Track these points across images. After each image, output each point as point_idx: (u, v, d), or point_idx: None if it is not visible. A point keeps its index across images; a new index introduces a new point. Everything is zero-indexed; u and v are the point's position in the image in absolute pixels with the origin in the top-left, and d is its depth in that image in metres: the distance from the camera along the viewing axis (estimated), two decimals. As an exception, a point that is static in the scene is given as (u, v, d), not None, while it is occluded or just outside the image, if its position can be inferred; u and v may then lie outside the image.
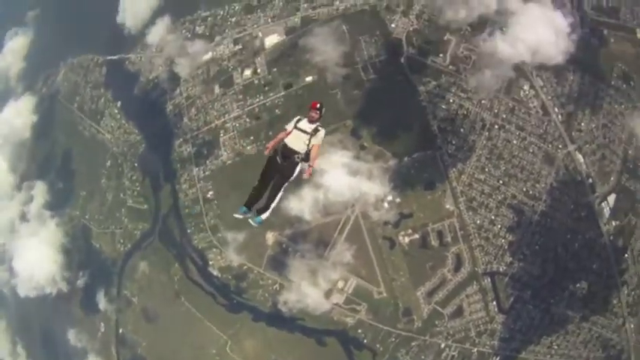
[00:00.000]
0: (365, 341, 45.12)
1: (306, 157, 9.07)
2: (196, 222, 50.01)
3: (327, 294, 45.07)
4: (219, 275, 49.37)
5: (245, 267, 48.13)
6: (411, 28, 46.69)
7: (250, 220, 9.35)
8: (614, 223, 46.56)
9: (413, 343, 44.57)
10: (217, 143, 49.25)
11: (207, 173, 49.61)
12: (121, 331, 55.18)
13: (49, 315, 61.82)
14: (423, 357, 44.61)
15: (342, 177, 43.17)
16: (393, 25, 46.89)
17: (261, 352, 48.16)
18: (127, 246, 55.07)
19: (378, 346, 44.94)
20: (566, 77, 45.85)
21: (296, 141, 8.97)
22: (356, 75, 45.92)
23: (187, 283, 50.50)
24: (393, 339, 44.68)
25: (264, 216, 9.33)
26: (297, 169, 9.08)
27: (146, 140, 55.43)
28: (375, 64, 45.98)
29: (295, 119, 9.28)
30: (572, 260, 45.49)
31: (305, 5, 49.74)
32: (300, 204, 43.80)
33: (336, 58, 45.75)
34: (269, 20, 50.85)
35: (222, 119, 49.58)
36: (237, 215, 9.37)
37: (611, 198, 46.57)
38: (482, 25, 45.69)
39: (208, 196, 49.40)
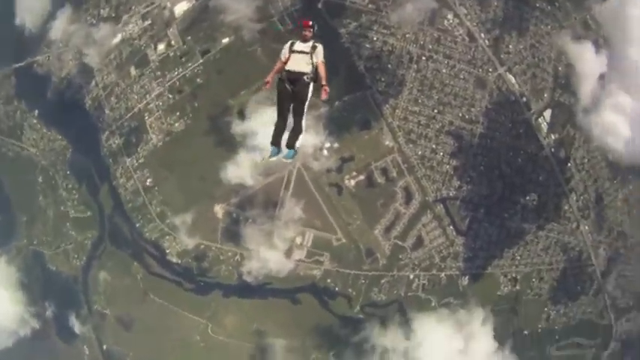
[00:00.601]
0: (337, 289, 45.15)
1: (315, 78, 8.67)
2: (142, 214, 47.97)
3: (288, 253, 44.54)
4: (179, 261, 47.95)
5: (202, 246, 46.89)
6: None
7: (283, 158, 8.98)
8: (553, 136, 47.98)
9: (383, 281, 44.87)
10: (144, 127, 46.75)
11: (140, 161, 47.24)
12: (105, 347, 53.17)
13: (35, 358, 58.35)
14: (395, 291, 45.12)
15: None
16: None
17: (242, 326, 47.81)
18: (83, 259, 52.50)
19: (350, 290, 45.08)
20: (489, 3, 45.90)
21: (298, 63, 8.56)
22: (272, 31, 44.15)
23: (151, 278, 48.86)
24: (363, 280, 44.84)
25: (297, 144, 8.91)
26: (310, 90, 8.67)
27: (72, 143, 52.06)
28: (292, 13, 44.31)
29: (288, 44, 8.81)
30: (518, 175, 46.44)
31: None
32: (239, 170, 42.45)
33: (249, 14, 43.84)
34: None
35: (144, 101, 46.92)
36: (271, 158, 8.98)
37: (547, 113, 47.76)
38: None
39: (147, 184, 47.22)
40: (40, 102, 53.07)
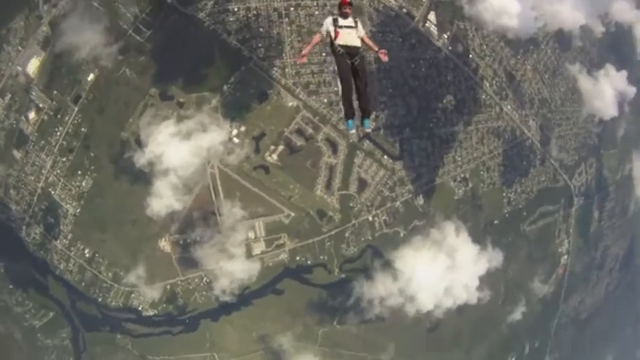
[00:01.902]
0: (309, 262, 43.03)
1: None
2: (98, 286, 43.81)
3: (248, 255, 41.39)
4: (157, 312, 44.31)
5: (168, 286, 43.20)
6: None
7: (363, 129, 9.43)
8: (445, 36, 46.81)
9: (347, 234, 43.05)
10: (56, 203, 42.25)
11: (69, 237, 42.80)
12: None
13: None
14: (362, 239, 43.48)
15: (179, 146, 38.65)
16: None
17: (243, 339, 45.09)
18: None
19: (321, 257, 43.03)
20: None
21: (350, 38, 8.70)
22: (132, 42, 40.21)
23: (140, 341, 45.11)
24: (329, 243, 42.81)
25: (370, 117, 9.20)
26: (366, 62, 8.90)
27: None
28: (145, 19, 40.38)
29: (330, 20, 8.84)
30: (427, 83, 45.56)
31: (46, 8, 41.54)
32: (162, 200, 39.30)
33: (101, 40, 39.16)
34: (19, 48, 42.12)
35: (42, 177, 42.13)
36: (351, 131, 10.23)
37: (432, 16, 46.43)
38: None
39: (87, 255, 42.99)
40: None
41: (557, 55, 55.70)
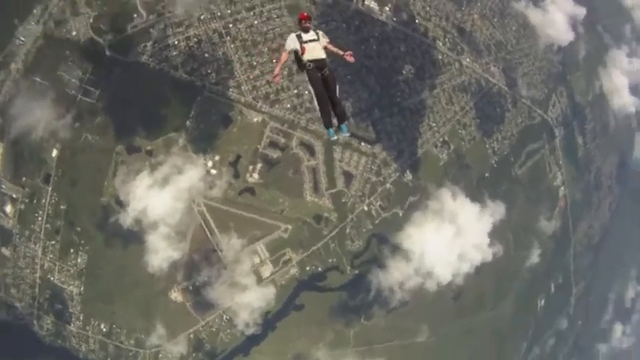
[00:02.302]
0: (320, 269, 42.50)
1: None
2: (124, 356, 42.44)
3: (259, 280, 40.66)
4: None
5: (191, 336, 42.17)
6: (90, 20, 39.16)
7: (343, 134, 9.62)
8: (387, 8, 46.32)
9: (348, 230, 42.54)
10: (58, 287, 40.89)
11: (81, 317, 41.43)
12: None
13: None
14: (364, 230, 43.04)
15: (160, 195, 37.83)
16: (74, 33, 39.01)
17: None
18: None
19: (330, 261, 42.54)
20: None
21: (316, 51, 9.25)
22: (84, 106, 38.62)
23: None
24: (333, 244, 42.27)
25: (346, 122, 9.58)
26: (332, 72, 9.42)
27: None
28: (90, 80, 38.86)
29: (293, 37, 9.31)
30: (382, 60, 45.13)
31: None
32: (159, 253, 38.26)
33: (52, 114, 38.02)
34: None
35: (37, 266, 40.56)
36: (332, 138, 9.73)
37: None
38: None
39: (104, 330, 41.74)
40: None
41: (500, -4, 55.93)
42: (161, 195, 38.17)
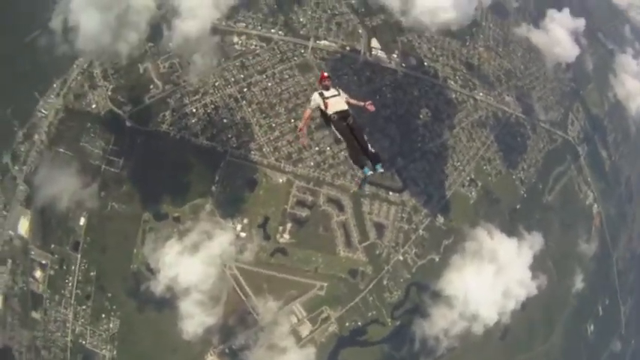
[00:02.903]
0: (360, 323, 41.07)
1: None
2: None
3: (297, 340, 39.27)
4: None
5: None
6: (109, 93, 40.76)
7: (376, 171, 10.38)
8: (394, 55, 47.16)
9: (384, 282, 41.45)
10: (90, 352, 40.28)
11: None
12: None
13: None
14: (401, 280, 41.84)
15: (191, 261, 37.50)
16: (93, 106, 40.62)
17: None
18: None
19: (369, 314, 41.18)
20: (255, 1, 44.99)
21: (339, 104, 10.42)
22: (109, 175, 39.36)
23: None
24: (371, 297, 41.05)
25: (380, 163, 10.52)
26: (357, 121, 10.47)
27: None
28: (113, 150, 39.80)
29: (316, 95, 10.47)
30: (398, 107, 45.42)
31: (17, 168, 40.56)
32: (194, 320, 37.34)
33: (79, 182, 38.87)
34: (4, 213, 40.93)
35: (69, 331, 40.29)
36: (368, 174, 10.37)
37: (374, 42, 47.07)
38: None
39: None
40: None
41: (500, 25, 56.63)
42: (192, 261, 37.92)
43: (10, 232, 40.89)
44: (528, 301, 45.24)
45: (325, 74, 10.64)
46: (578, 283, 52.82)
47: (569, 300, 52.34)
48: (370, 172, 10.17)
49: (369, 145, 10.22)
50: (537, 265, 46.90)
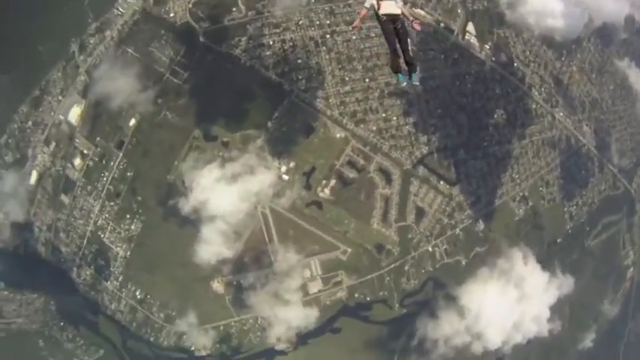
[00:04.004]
0: (368, 298, 40.45)
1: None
2: (150, 326, 42.46)
3: (305, 294, 39.04)
4: (210, 352, 42.52)
5: (221, 327, 41.38)
6: (190, 5, 39.71)
7: (413, 82, 10.65)
8: (487, 46, 44.10)
9: (406, 267, 40.28)
10: (105, 246, 41.40)
11: (120, 279, 41.81)
12: None
13: None
14: (422, 270, 40.67)
15: (227, 191, 36.80)
16: (171, 15, 39.76)
17: None
18: None
19: (381, 293, 40.43)
20: None
21: (390, 8, 10.39)
22: (170, 85, 38.88)
23: None
24: (388, 277, 40.15)
25: (417, 72, 10.71)
26: (406, 26, 10.47)
27: (49, 294, 45.99)
28: (180, 61, 39.09)
29: None
30: (476, 100, 42.62)
31: (82, 57, 41.17)
32: (211, 247, 37.21)
33: (137, 85, 38.44)
34: (60, 98, 41.86)
35: (91, 221, 41.40)
36: (402, 83, 10.76)
37: (470, 27, 43.87)
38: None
39: (139, 297, 41.77)
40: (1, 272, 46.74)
41: (601, 51, 51.90)
42: (227, 191, 37.26)
43: (61, 116, 41.55)
44: (534, 340, 43.71)
45: None
46: (588, 342, 50.44)
47: (571, 354, 50.37)
48: (403, 81, 10.51)
49: (411, 54, 10.38)
50: (557, 308, 44.98)
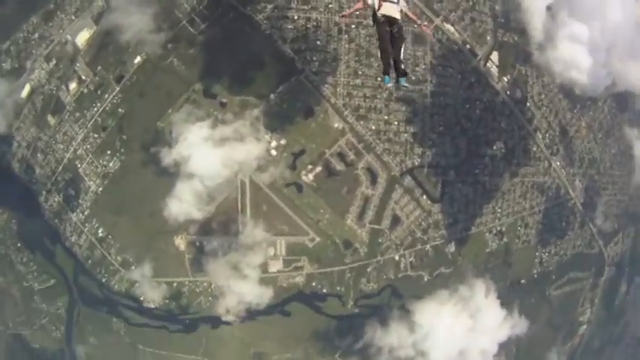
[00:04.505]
0: (324, 290, 40.18)
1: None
2: (105, 267, 41.81)
3: (264, 270, 38.63)
4: (158, 306, 42.14)
5: (174, 284, 40.91)
6: None
7: (401, 85, 10.27)
8: (505, 79, 43.67)
9: (369, 269, 40.07)
10: (79, 176, 40.55)
11: (86, 213, 40.95)
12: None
13: None
14: (384, 276, 40.42)
15: (211, 153, 36.30)
16: None
17: (239, 353, 42.61)
18: (61, 329, 46.17)
19: (338, 288, 40.20)
20: None
21: (391, 10, 9.74)
22: (185, 33, 38.09)
23: (135, 330, 43.15)
24: (349, 274, 39.89)
25: (406, 77, 10.18)
26: (403, 31, 9.85)
27: (13, 214, 45.36)
28: (201, 12, 38.19)
29: None
30: (480, 127, 42.25)
31: None
32: (182, 205, 36.65)
33: (151, 25, 37.56)
34: (72, 17, 40.85)
35: (72, 149, 40.56)
36: (389, 84, 10.12)
37: (494, 56, 43.31)
38: None
39: (100, 235, 41.08)
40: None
41: (614, 114, 51.86)
42: (211, 153, 36.58)
43: (69, 36, 40.47)
44: (471, 373, 44.02)
45: None
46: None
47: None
48: (390, 84, 10.04)
49: (402, 60, 9.83)
50: (505, 346, 45.11)
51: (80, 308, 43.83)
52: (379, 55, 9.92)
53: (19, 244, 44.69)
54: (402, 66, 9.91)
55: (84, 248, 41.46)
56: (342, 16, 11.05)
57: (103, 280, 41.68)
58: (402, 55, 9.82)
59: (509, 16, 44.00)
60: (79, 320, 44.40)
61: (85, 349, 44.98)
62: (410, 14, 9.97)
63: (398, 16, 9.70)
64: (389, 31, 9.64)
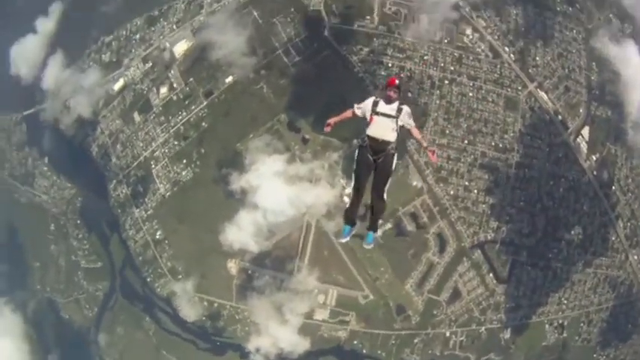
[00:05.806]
0: (364, 351, 37.69)
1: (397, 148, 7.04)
2: (153, 268, 41.54)
3: (301, 330, 36.76)
4: (194, 321, 41.20)
5: (216, 304, 39.87)
6: None
7: (364, 245, 7.71)
8: (594, 157, 39.94)
9: (416, 340, 37.25)
10: (151, 177, 40.75)
11: (149, 212, 41.03)
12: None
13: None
14: (429, 351, 37.41)
15: (280, 190, 35.04)
16: None
17: None
18: (94, 310, 46.50)
19: (379, 352, 37.54)
20: (508, 12, 38.96)
21: (383, 130, 6.82)
22: (278, 61, 37.70)
23: (163, 334, 42.52)
24: (394, 341, 37.26)
25: (377, 234, 7.73)
26: (394, 162, 6.90)
27: (81, 192, 46.62)
28: (297, 44, 37.84)
29: (370, 102, 6.96)
30: (561, 207, 38.64)
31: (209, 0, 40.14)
32: (239, 233, 35.61)
33: (243, 48, 37.52)
34: (174, 27, 41.55)
35: (150, 149, 40.98)
36: (343, 240, 7.62)
37: (585, 131, 39.83)
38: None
39: (157, 237, 40.90)
40: (50, 148, 48.09)
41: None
42: (281, 189, 35.42)
43: (168, 44, 41.29)
44: None
45: (395, 80, 7.01)
46: None
47: None
48: (346, 239, 7.45)
49: (383, 208, 7.06)
50: None
51: (118, 297, 43.94)
52: (350, 195, 7.20)
53: (78, 221, 45.77)
54: (380, 218, 7.24)
55: (138, 245, 41.54)
56: (328, 126, 6.56)
57: (148, 279, 41.37)
58: (384, 196, 7.00)
59: (604, 88, 40.59)
60: (113, 307, 44.49)
61: (106, 339, 44.98)
62: (417, 135, 7.06)
63: (392, 138, 6.81)
64: (371, 161, 6.80)
